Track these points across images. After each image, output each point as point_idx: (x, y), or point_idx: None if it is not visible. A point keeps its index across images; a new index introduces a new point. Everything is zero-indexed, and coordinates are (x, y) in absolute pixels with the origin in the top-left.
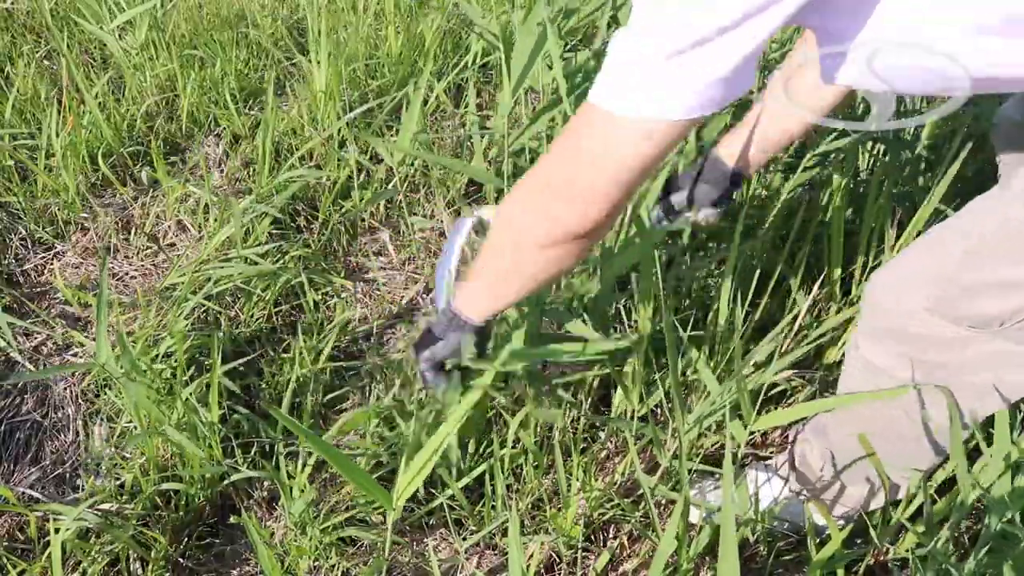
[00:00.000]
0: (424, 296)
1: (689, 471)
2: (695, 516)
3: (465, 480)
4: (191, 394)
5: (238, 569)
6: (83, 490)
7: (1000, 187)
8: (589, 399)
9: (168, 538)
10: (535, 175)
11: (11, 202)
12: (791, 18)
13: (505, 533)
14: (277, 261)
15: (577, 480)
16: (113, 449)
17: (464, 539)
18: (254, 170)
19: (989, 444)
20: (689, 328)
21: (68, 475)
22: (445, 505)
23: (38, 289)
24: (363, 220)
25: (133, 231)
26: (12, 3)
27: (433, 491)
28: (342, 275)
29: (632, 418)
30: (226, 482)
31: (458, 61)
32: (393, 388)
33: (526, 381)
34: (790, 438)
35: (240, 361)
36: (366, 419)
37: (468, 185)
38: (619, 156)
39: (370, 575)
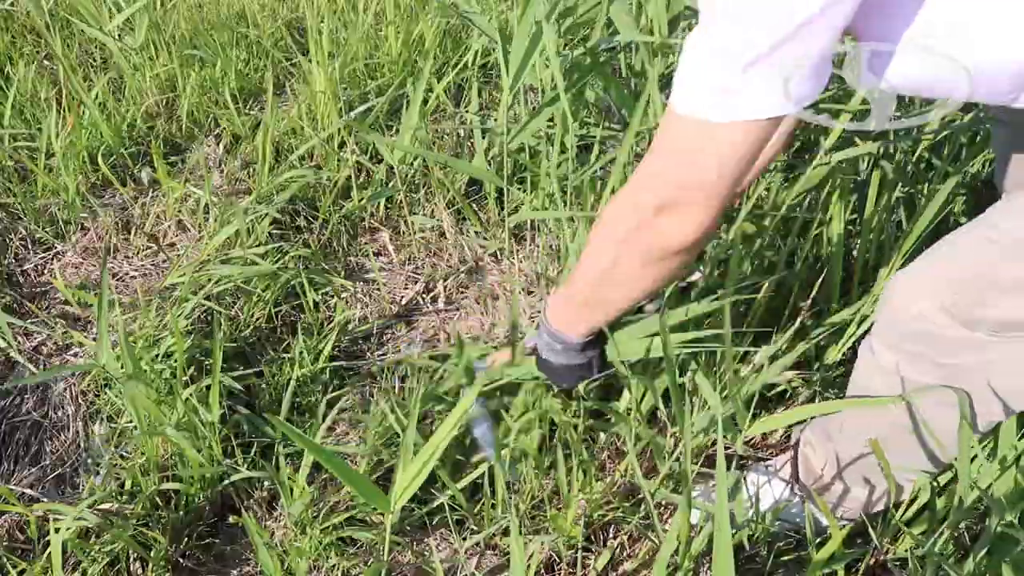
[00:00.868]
0: (424, 296)
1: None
2: (695, 517)
3: (465, 480)
4: (191, 394)
5: (238, 569)
6: (83, 490)
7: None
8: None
9: (168, 538)
10: (633, 195)
11: (11, 202)
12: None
13: (505, 533)
14: (277, 261)
15: (577, 480)
16: (113, 449)
17: (464, 539)
18: (254, 170)
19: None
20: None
21: (68, 475)
22: (445, 505)
23: (38, 289)
24: (363, 220)
25: (133, 231)
26: (12, 3)
27: (433, 491)
28: (342, 275)
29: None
30: (226, 482)
31: (458, 61)
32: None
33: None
34: (792, 439)
35: (240, 361)
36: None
37: (468, 184)
38: (722, 161)
39: None
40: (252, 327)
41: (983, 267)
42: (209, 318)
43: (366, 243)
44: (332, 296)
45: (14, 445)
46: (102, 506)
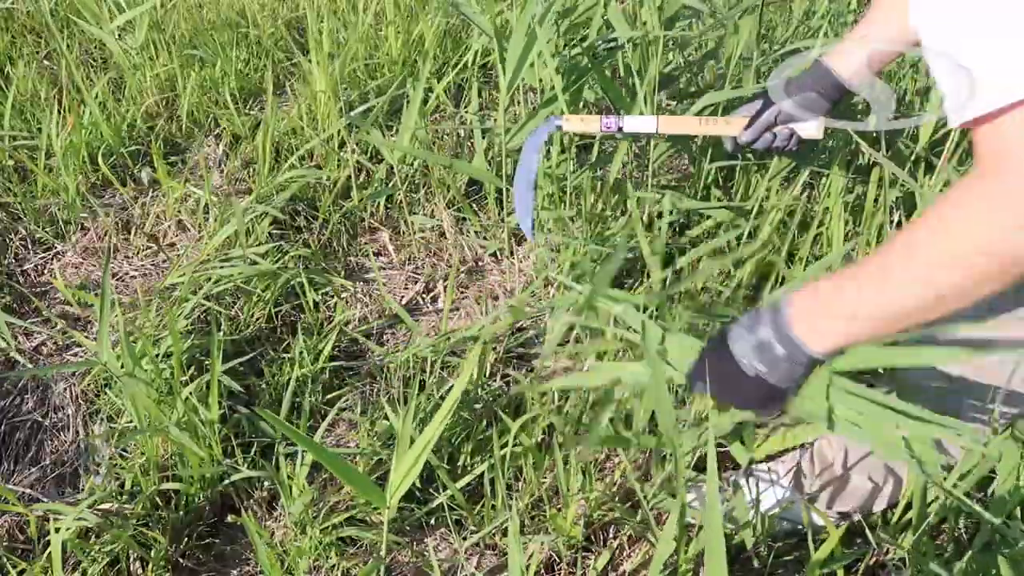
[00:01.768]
0: (424, 296)
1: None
2: (696, 515)
3: (465, 480)
4: (191, 393)
5: (238, 569)
6: (83, 490)
7: None
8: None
9: (168, 538)
10: (989, 216)
11: (11, 202)
12: None
13: (505, 533)
14: (277, 261)
15: (577, 481)
16: (113, 449)
17: (464, 539)
18: (254, 170)
19: None
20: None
21: (68, 475)
22: (445, 505)
23: (38, 289)
24: (363, 220)
25: (133, 231)
26: (12, 3)
27: (432, 491)
28: (342, 275)
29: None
30: (226, 482)
31: (458, 61)
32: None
33: None
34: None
35: (240, 360)
36: None
37: (468, 185)
38: None
39: (368, 575)
40: (252, 327)
41: None
42: (209, 318)
43: (366, 243)
44: (332, 296)
45: (14, 445)
46: (102, 506)
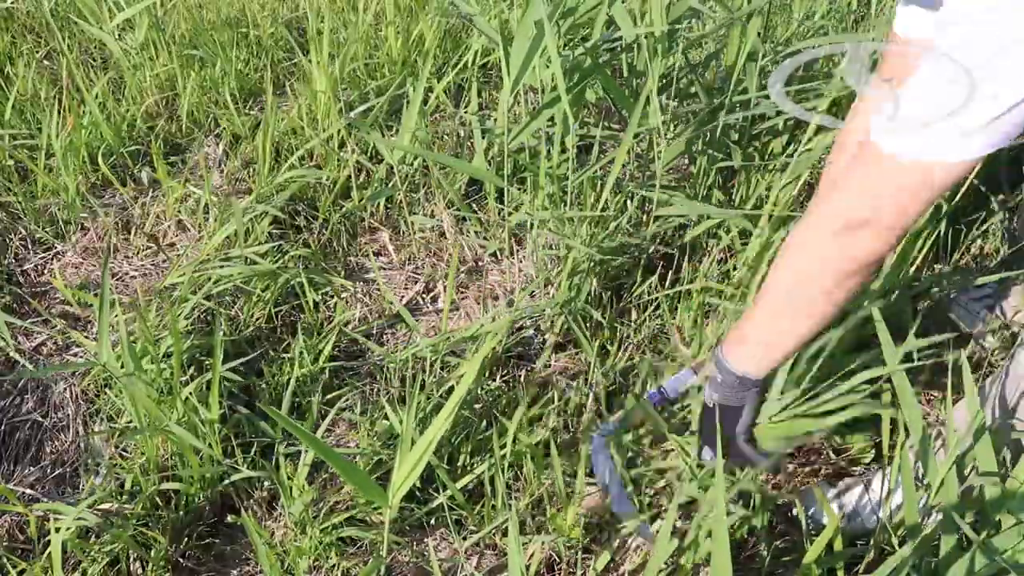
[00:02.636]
0: (424, 295)
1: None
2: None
3: (465, 480)
4: (191, 393)
5: (238, 569)
6: (83, 490)
7: None
8: (591, 400)
9: (168, 538)
10: (833, 216)
11: (11, 202)
12: None
13: (505, 533)
14: (277, 261)
15: (578, 482)
16: (113, 449)
17: (464, 539)
18: (254, 170)
19: None
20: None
21: (68, 475)
22: (445, 505)
23: (38, 289)
24: (363, 220)
25: (133, 231)
26: (12, 3)
27: (433, 491)
28: (342, 275)
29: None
30: (226, 482)
31: (458, 61)
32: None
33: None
34: None
35: (240, 361)
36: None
37: (468, 185)
38: (924, 196)
39: (369, 575)
40: (252, 327)
41: None
42: (209, 318)
43: (366, 243)
44: (332, 296)
45: (14, 445)
46: (102, 506)
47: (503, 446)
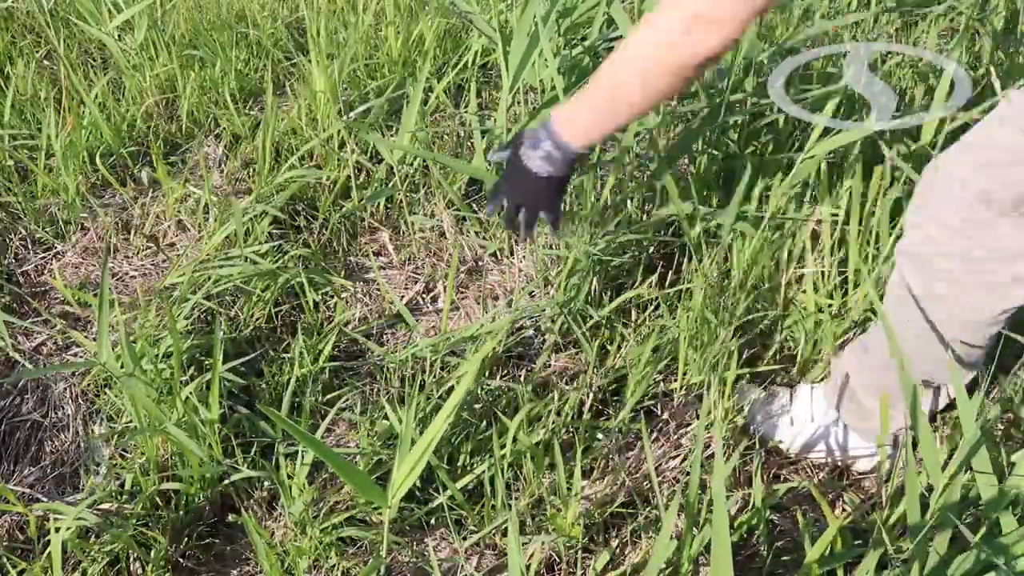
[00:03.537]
0: (424, 295)
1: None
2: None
3: (465, 480)
4: (191, 393)
5: (238, 569)
6: (83, 490)
7: None
8: (591, 400)
9: (168, 538)
10: (675, 5)
11: (11, 202)
12: None
13: (505, 533)
14: (277, 261)
15: (580, 482)
16: (113, 449)
17: (464, 539)
18: (254, 170)
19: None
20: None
21: (68, 475)
22: (445, 505)
23: (38, 289)
24: (363, 220)
25: (133, 231)
26: (12, 3)
27: (432, 491)
28: (342, 275)
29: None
30: (226, 482)
31: (458, 61)
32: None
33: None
34: (834, 366)
35: (240, 361)
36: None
37: (468, 184)
38: None
39: (368, 575)
40: (252, 327)
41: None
42: (209, 318)
43: (366, 243)
44: (332, 296)
45: (14, 445)
46: (102, 506)
47: (503, 446)
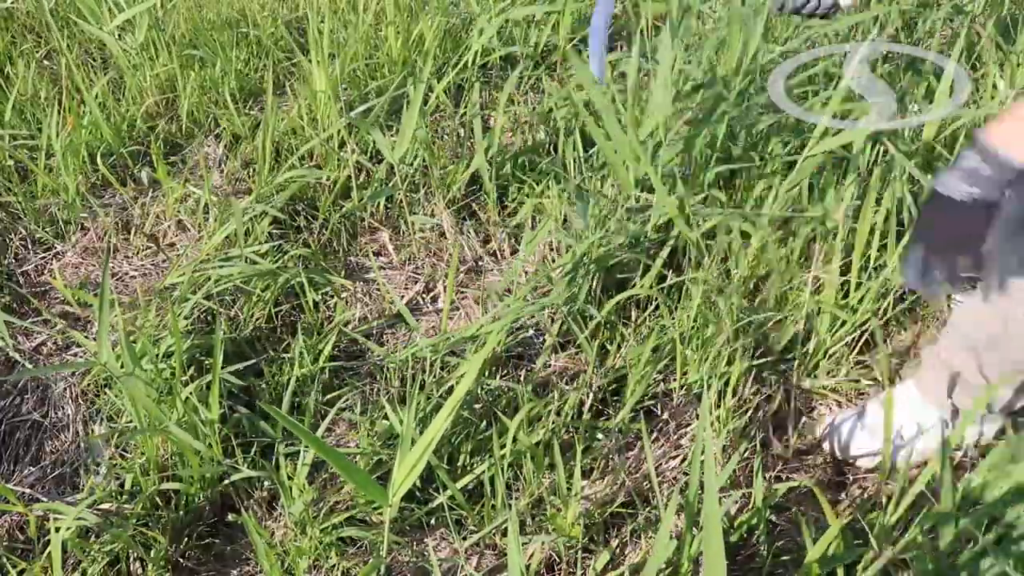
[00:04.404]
0: (424, 295)
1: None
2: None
3: (465, 480)
4: (191, 393)
5: (238, 569)
6: (83, 490)
7: None
8: (591, 399)
9: (168, 538)
10: None
11: (11, 202)
12: None
13: (505, 533)
14: (277, 261)
15: (579, 482)
16: (113, 449)
17: (464, 539)
18: (254, 170)
19: None
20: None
21: (68, 475)
22: (445, 505)
23: (38, 289)
24: (363, 220)
25: (133, 231)
26: (12, 3)
27: (433, 491)
28: (342, 275)
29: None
30: (226, 482)
31: (458, 61)
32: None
33: None
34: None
35: (240, 360)
36: None
37: (468, 184)
38: None
39: (368, 574)
40: (252, 327)
41: None
42: (209, 318)
43: (366, 243)
44: (332, 296)
45: (14, 445)
46: (102, 506)
47: (503, 446)
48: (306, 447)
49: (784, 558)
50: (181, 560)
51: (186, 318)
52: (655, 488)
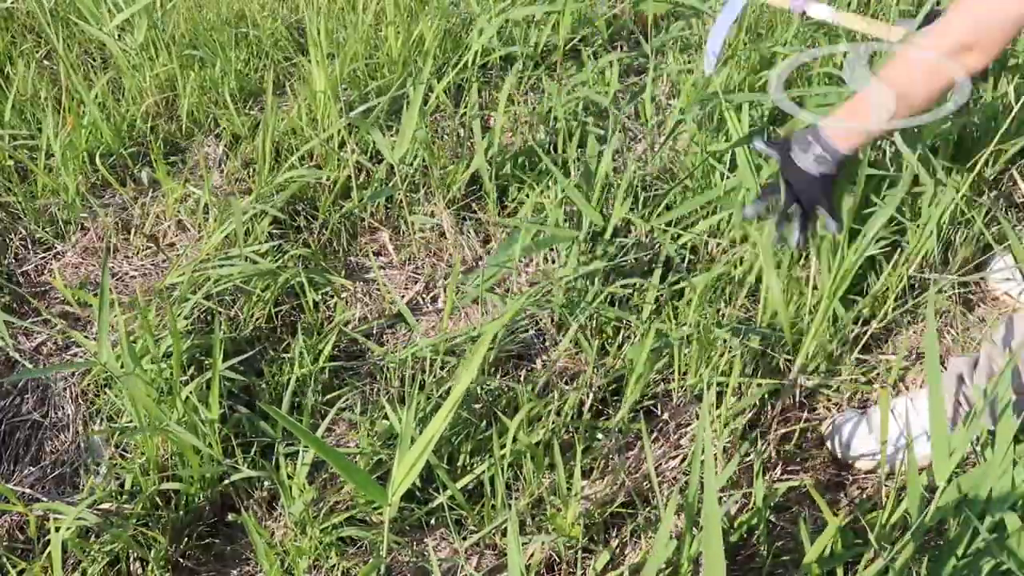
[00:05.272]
0: (424, 295)
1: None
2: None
3: (465, 480)
4: (191, 393)
5: (238, 569)
6: (83, 490)
7: None
8: (591, 399)
9: (168, 538)
10: (951, 35)
11: (11, 202)
12: None
13: (505, 533)
14: (277, 261)
15: (580, 482)
16: (113, 449)
17: (464, 539)
18: (254, 170)
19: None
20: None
21: (68, 475)
22: (445, 505)
23: (38, 289)
24: (363, 220)
25: (133, 231)
26: (12, 3)
27: (433, 491)
28: (342, 275)
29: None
30: (226, 482)
31: (458, 61)
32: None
33: None
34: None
35: (240, 360)
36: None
37: (468, 184)
38: (1016, 17)
39: (368, 574)
40: (252, 327)
41: None
42: (209, 318)
43: (366, 243)
44: (332, 296)
45: (14, 445)
46: (102, 506)
47: (503, 446)
48: (306, 447)
49: (784, 558)
50: (181, 560)
51: (186, 318)
52: (655, 488)
